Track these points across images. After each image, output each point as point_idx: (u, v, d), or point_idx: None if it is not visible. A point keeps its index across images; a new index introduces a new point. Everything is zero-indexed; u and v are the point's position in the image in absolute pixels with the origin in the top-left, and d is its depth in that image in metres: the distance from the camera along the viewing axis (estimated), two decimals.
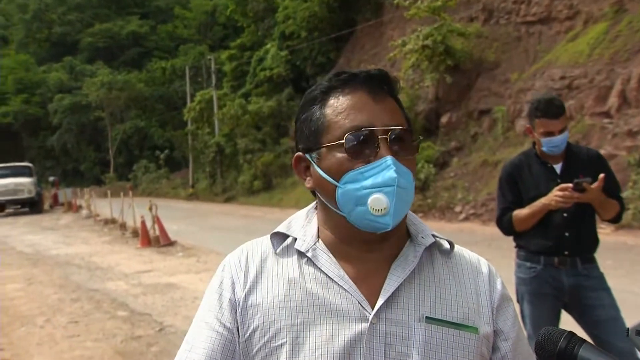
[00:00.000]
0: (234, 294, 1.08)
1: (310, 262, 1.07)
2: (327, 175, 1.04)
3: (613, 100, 13.29)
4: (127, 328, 6.25)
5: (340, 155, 1.03)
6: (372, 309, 1.02)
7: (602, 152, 12.95)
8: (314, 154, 1.07)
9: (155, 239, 12.91)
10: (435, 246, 1.13)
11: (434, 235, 1.12)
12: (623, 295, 3.57)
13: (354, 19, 26.10)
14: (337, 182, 1.03)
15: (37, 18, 59.08)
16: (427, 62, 17.76)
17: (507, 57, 17.84)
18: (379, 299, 1.03)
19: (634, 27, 13.83)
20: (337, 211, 1.05)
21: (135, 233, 14.58)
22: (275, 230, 1.13)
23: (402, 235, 1.10)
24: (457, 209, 14.37)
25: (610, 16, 14.77)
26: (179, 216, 19.07)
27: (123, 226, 16.38)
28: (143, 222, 13.14)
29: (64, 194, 29.76)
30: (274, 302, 1.05)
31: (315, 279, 1.06)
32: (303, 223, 1.13)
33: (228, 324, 1.06)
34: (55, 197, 31.19)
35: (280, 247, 1.11)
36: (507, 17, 18.64)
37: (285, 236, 1.12)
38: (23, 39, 60.25)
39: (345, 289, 1.03)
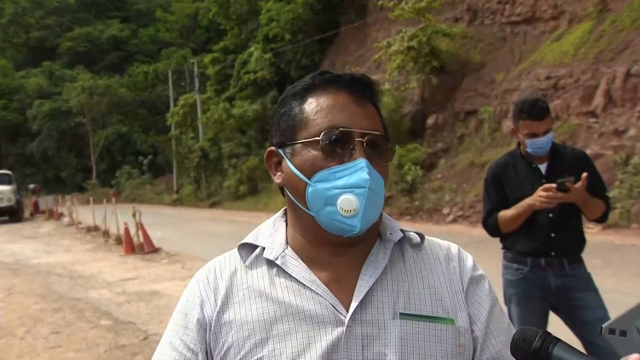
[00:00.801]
0: (204, 314, 1.06)
1: (281, 269, 1.07)
2: (299, 172, 1.04)
3: (598, 100, 13.45)
4: (110, 337, 6.19)
5: (314, 152, 1.03)
6: (347, 312, 1.02)
7: (588, 151, 13.09)
8: (287, 149, 1.07)
9: (139, 246, 12.82)
10: (405, 241, 1.13)
11: (402, 231, 1.12)
12: (611, 295, 3.61)
13: (338, 20, 26.18)
14: (309, 179, 1.03)
15: (14, 22, 58.45)
16: (412, 64, 17.86)
17: (492, 58, 17.99)
18: (353, 301, 1.02)
19: (617, 27, 14.02)
20: (306, 210, 1.05)
21: (118, 240, 14.47)
22: (243, 241, 1.12)
23: (373, 237, 1.10)
24: (445, 211, 14.43)
25: (594, 16, 14.96)
26: (163, 222, 18.95)
27: (106, 233, 16.25)
28: (126, 229, 13.05)
29: (45, 201, 29.47)
30: (247, 317, 1.04)
31: (287, 287, 1.05)
32: (271, 231, 1.13)
33: (192, 346, 1.05)
34: (35, 205, 30.84)
35: (249, 258, 1.10)
36: (491, 17, 18.81)
37: (254, 247, 1.11)
38: (0, 43, 59.62)
39: (318, 294, 1.03)
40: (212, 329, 1.05)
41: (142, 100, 49.23)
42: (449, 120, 17.91)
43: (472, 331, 1.08)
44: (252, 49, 29.88)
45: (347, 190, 1.00)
